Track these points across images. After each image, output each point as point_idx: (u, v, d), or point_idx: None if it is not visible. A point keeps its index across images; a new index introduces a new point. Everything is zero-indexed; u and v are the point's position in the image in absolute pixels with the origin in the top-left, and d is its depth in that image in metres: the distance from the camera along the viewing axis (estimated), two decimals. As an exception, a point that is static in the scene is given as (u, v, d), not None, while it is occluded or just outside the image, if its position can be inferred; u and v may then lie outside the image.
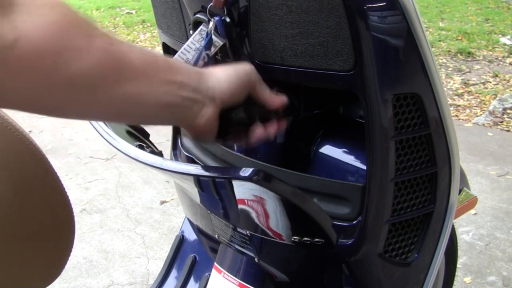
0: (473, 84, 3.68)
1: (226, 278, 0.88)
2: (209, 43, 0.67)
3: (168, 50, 0.94)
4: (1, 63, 0.35)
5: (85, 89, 0.40)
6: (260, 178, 0.53)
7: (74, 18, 0.38)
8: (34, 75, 0.36)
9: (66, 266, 0.59)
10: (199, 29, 0.68)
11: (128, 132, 0.78)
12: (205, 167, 0.74)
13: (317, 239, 0.68)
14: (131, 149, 0.69)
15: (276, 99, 0.58)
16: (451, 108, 3.27)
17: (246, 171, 0.53)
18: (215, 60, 0.70)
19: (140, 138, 0.79)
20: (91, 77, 0.39)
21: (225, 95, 0.53)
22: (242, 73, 0.55)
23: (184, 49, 0.68)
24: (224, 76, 0.53)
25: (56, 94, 0.39)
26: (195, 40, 0.68)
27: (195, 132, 0.53)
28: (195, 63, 0.66)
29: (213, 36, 0.67)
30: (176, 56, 0.68)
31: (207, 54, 0.67)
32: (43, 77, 0.37)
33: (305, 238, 0.69)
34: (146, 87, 0.44)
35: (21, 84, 0.37)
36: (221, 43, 0.67)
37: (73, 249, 0.58)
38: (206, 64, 0.67)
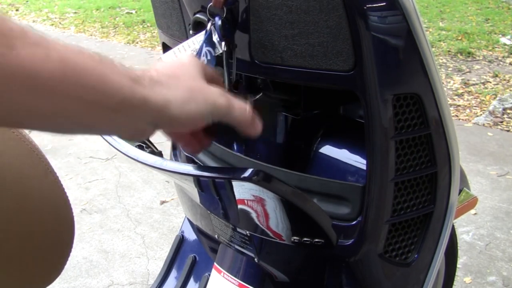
0: (473, 84, 3.68)
1: (226, 278, 0.88)
2: (210, 40, 0.66)
3: (168, 50, 0.94)
4: None
5: None
6: (260, 178, 0.53)
7: None
8: None
9: (66, 266, 0.59)
10: (203, 31, 0.68)
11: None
12: (205, 167, 0.74)
13: (317, 239, 0.68)
14: (131, 149, 0.69)
15: (252, 126, 0.50)
16: (451, 108, 3.27)
17: (246, 171, 0.53)
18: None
19: (140, 138, 0.79)
20: None
21: (176, 119, 0.44)
22: (211, 98, 0.46)
23: (182, 46, 0.68)
24: (187, 96, 0.45)
25: None
26: (196, 40, 0.68)
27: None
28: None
29: (215, 40, 0.66)
30: (169, 52, 0.68)
31: (209, 52, 0.66)
32: None
33: (305, 238, 0.69)
34: (60, 107, 0.37)
35: None
36: (220, 51, 0.66)
37: (73, 249, 0.58)
38: (209, 62, 0.66)
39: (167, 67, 0.47)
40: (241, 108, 0.50)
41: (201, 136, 0.53)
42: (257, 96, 0.78)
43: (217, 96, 0.47)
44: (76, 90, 0.37)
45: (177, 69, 0.47)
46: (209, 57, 0.66)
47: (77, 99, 0.37)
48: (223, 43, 0.66)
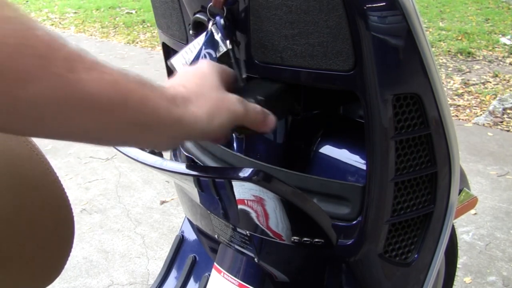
0: (473, 84, 3.68)
1: (226, 278, 0.88)
2: (211, 42, 0.66)
3: (168, 50, 0.94)
4: None
5: (33, 117, 0.36)
6: (260, 178, 0.53)
7: (27, 36, 0.34)
8: None
9: (66, 266, 0.59)
10: (205, 32, 0.68)
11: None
12: (205, 168, 0.74)
13: (317, 239, 0.68)
14: (131, 149, 0.69)
15: (267, 124, 0.56)
16: (451, 108, 3.27)
17: (246, 171, 0.53)
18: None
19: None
20: (39, 105, 0.35)
21: (205, 132, 0.49)
22: (232, 108, 0.51)
23: (189, 49, 0.68)
24: (214, 111, 0.49)
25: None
26: (201, 41, 0.67)
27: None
28: (195, 61, 0.66)
29: (218, 39, 0.66)
30: (177, 55, 0.68)
31: (209, 53, 0.66)
32: None
33: (305, 238, 0.69)
34: (107, 125, 0.40)
35: None
36: (225, 49, 0.66)
37: (73, 249, 0.58)
38: None
39: (192, 80, 0.51)
40: (255, 111, 0.55)
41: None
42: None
43: (236, 105, 0.52)
44: (122, 110, 0.40)
45: (201, 81, 0.52)
46: (208, 59, 0.66)
47: (123, 118, 0.41)
48: (227, 41, 0.66)
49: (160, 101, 0.44)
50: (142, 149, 0.70)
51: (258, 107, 0.56)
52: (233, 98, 0.52)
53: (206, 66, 0.55)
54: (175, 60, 0.67)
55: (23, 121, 0.36)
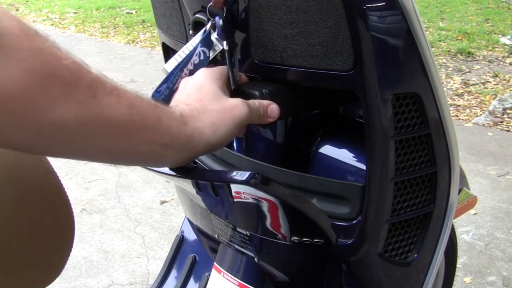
0: (473, 84, 3.68)
1: (226, 278, 0.88)
2: (207, 40, 0.66)
3: (168, 50, 0.94)
4: None
5: (57, 139, 0.39)
6: (258, 182, 0.53)
7: (56, 66, 0.37)
8: (3, 117, 0.35)
9: (66, 266, 0.59)
10: (201, 31, 0.68)
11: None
12: (203, 171, 0.74)
13: (316, 239, 0.68)
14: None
15: (270, 115, 0.58)
16: (451, 108, 3.27)
17: (243, 175, 0.53)
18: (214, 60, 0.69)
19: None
20: (63, 129, 0.38)
21: (212, 144, 0.51)
22: (236, 114, 0.53)
23: (182, 51, 0.68)
24: (217, 122, 0.52)
25: (27, 138, 0.38)
26: (194, 42, 0.68)
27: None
28: (189, 58, 0.66)
29: (213, 39, 0.66)
30: (175, 56, 0.68)
31: (203, 51, 0.66)
32: (13, 120, 0.36)
33: (305, 238, 0.69)
34: (124, 145, 0.43)
35: None
36: (221, 48, 0.67)
37: (73, 249, 0.58)
38: (201, 62, 0.66)
39: (193, 96, 0.54)
40: (256, 106, 0.56)
41: None
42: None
43: (240, 109, 0.54)
44: (137, 131, 0.43)
45: (200, 94, 0.54)
46: (202, 57, 0.66)
47: (138, 138, 0.44)
48: (224, 42, 0.66)
49: (171, 120, 0.47)
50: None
51: (258, 101, 0.57)
52: (234, 102, 0.54)
53: (203, 76, 0.57)
54: (168, 65, 0.67)
55: (49, 143, 0.39)
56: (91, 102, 0.39)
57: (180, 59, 0.66)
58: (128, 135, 0.43)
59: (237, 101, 0.54)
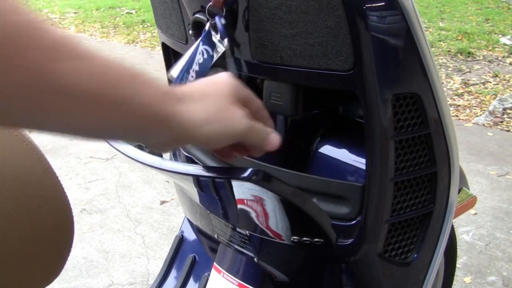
0: (473, 84, 3.68)
1: (226, 278, 0.88)
2: (208, 38, 0.66)
3: (168, 50, 0.94)
4: None
5: (15, 105, 0.35)
6: (259, 178, 0.53)
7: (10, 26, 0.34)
8: None
9: (66, 266, 0.59)
10: (203, 32, 0.68)
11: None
12: (204, 167, 0.74)
13: (316, 239, 0.68)
14: (130, 149, 0.69)
15: (271, 142, 0.52)
16: (451, 108, 3.27)
17: (245, 171, 0.53)
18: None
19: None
20: (18, 94, 0.34)
21: (200, 134, 0.46)
22: (236, 120, 0.48)
23: (186, 55, 0.68)
24: (214, 115, 0.46)
25: None
26: (196, 42, 0.68)
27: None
28: (193, 58, 0.66)
29: (215, 40, 0.66)
30: (178, 61, 0.68)
31: (206, 50, 0.66)
32: None
33: (305, 238, 0.69)
34: (94, 118, 0.39)
35: None
36: (223, 49, 0.66)
37: (73, 249, 0.58)
38: (205, 61, 0.66)
39: (205, 82, 0.49)
40: (259, 128, 0.51)
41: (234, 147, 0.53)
42: None
43: (239, 120, 0.49)
44: (110, 103, 0.39)
45: (214, 85, 0.49)
46: (205, 56, 0.66)
47: (111, 111, 0.39)
48: (225, 41, 0.66)
49: (153, 94, 0.42)
50: (142, 149, 0.70)
51: (267, 129, 0.52)
52: (238, 112, 0.49)
53: (226, 76, 0.51)
54: (173, 71, 0.66)
55: (6, 108, 0.35)
56: (45, 67, 0.35)
57: (184, 62, 0.66)
58: (99, 106, 0.38)
59: (240, 112, 0.49)
